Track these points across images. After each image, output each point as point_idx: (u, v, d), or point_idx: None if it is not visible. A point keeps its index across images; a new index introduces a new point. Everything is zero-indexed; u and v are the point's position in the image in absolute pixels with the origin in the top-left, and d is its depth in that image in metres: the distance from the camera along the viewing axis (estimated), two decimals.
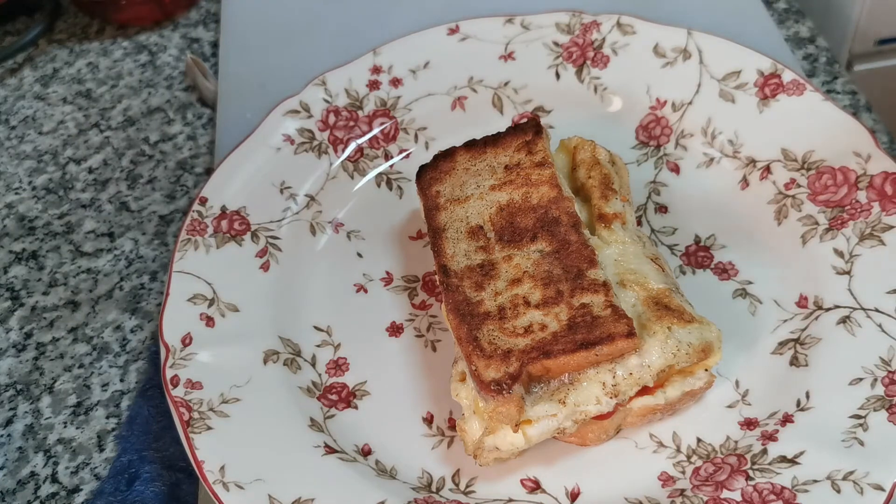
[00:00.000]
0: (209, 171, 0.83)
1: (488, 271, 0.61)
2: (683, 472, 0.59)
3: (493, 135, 0.69)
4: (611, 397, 0.56)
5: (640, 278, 0.60)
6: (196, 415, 0.61)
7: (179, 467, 0.64)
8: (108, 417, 0.69)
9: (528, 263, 0.61)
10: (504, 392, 0.55)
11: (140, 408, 0.68)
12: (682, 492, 0.57)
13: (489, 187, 0.66)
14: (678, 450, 0.60)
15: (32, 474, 0.66)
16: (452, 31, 0.81)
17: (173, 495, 0.64)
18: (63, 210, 0.82)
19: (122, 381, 0.70)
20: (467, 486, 0.60)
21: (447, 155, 0.69)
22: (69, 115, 0.90)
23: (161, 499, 0.63)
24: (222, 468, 0.59)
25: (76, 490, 0.65)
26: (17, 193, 0.84)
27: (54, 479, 0.66)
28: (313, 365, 0.67)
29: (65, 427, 0.68)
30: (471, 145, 0.69)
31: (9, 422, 0.69)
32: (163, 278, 0.76)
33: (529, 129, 0.68)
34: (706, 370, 0.59)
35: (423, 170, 0.69)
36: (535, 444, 0.58)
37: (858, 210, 0.65)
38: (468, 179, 0.67)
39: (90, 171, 0.85)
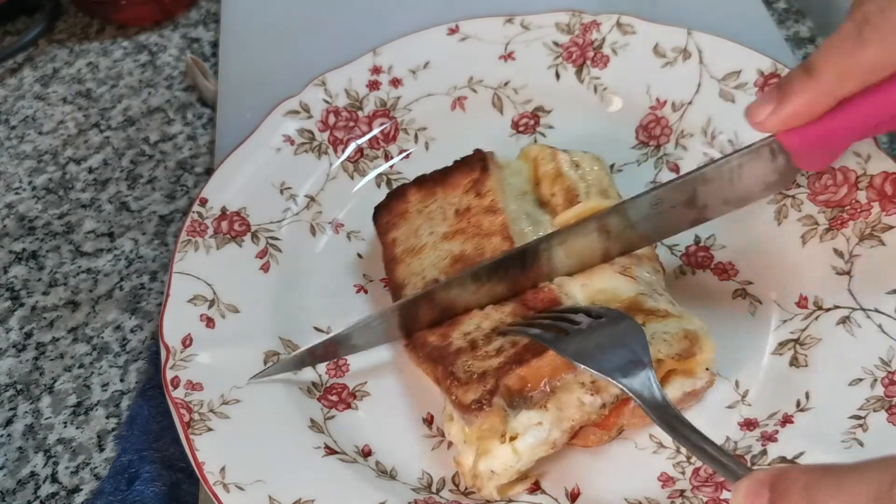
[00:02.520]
0: (209, 171, 0.83)
1: (451, 324, 0.62)
2: (683, 473, 0.59)
3: (441, 170, 0.69)
4: (592, 394, 0.56)
5: (609, 295, 0.60)
6: (196, 416, 0.61)
7: (179, 467, 0.65)
8: (108, 417, 0.69)
9: (490, 321, 0.61)
10: (484, 407, 0.55)
11: (140, 408, 0.68)
12: (681, 492, 0.57)
13: (441, 235, 0.66)
14: (678, 450, 0.60)
15: (32, 474, 0.67)
16: (452, 31, 0.81)
17: (173, 495, 0.64)
18: (63, 210, 0.83)
19: (122, 381, 0.71)
20: (467, 488, 0.60)
21: (399, 194, 0.69)
22: (69, 115, 0.91)
23: (161, 499, 0.63)
24: (223, 469, 0.59)
25: (76, 490, 0.65)
26: (17, 193, 0.85)
27: (54, 479, 0.66)
28: (313, 366, 0.67)
29: (65, 427, 0.69)
30: (421, 184, 0.69)
31: (9, 422, 0.69)
32: (163, 278, 0.76)
33: (476, 165, 0.67)
34: (707, 369, 0.59)
35: (377, 211, 0.69)
36: (529, 459, 0.57)
37: (858, 210, 0.65)
38: (421, 224, 0.67)
39: (90, 171, 0.85)
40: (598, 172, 0.68)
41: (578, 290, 0.62)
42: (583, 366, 0.54)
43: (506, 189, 0.68)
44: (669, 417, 0.51)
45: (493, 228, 0.64)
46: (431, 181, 0.69)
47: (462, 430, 0.58)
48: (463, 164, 0.68)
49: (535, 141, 0.77)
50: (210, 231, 0.71)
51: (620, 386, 0.53)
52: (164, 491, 0.64)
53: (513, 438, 0.56)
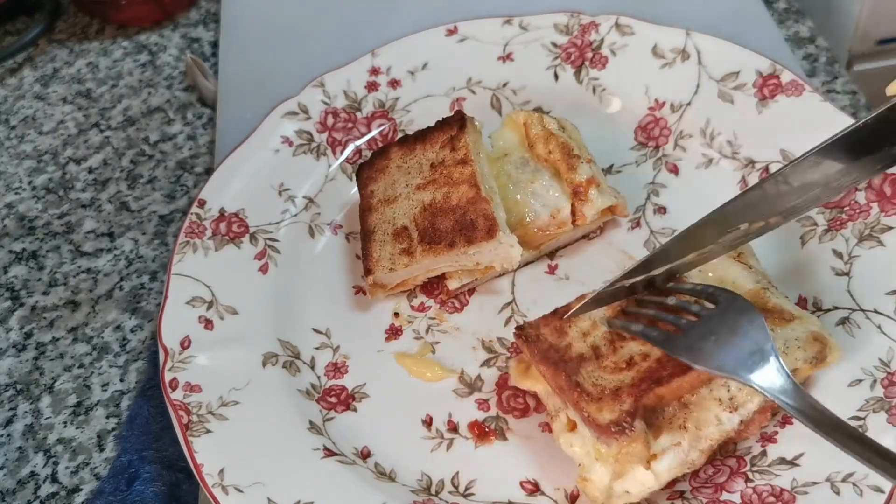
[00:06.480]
0: (209, 171, 0.83)
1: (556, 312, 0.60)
2: (683, 475, 0.59)
3: (423, 130, 0.70)
4: (730, 412, 0.55)
5: (728, 286, 0.59)
6: (195, 418, 0.61)
7: (179, 467, 0.64)
8: (108, 417, 0.69)
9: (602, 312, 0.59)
10: (626, 431, 0.52)
11: (140, 408, 0.68)
12: (681, 494, 0.57)
13: (416, 186, 0.67)
14: None
15: (32, 474, 0.67)
16: (451, 32, 0.80)
17: (173, 495, 0.64)
18: (63, 210, 0.82)
19: (122, 381, 0.70)
20: (466, 489, 0.60)
21: (383, 152, 0.70)
22: (69, 115, 0.90)
23: (161, 499, 0.63)
24: (221, 471, 0.59)
25: (76, 490, 0.65)
26: (17, 193, 0.85)
27: (54, 478, 0.66)
28: (312, 367, 0.67)
29: (65, 427, 0.69)
30: (403, 142, 0.70)
31: (9, 422, 0.69)
32: (163, 278, 0.76)
33: (454, 123, 0.69)
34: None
35: (360, 167, 0.71)
36: (666, 480, 0.55)
37: (857, 211, 0.65)
38: (399, 178, 0.68)
39: (90, 171, 0.85)
40: (575, 133, 0.71)
41: (696, 277, 0.60)
42: (701, 367, 0.51)
43: (480, 148, 0.69)
44: (814, 413, 0.47)
45: (462, 178, 0.66)
46: (413, 139, 0.70)
47: (592, 446, 0.55)
48: (443, 123, 0.70)
49: None
50: (208, 233, 0.71)
51: (750, 384, 0.50)
52: (164, 491, 0.64)
53: (650, 457, 0.54)
